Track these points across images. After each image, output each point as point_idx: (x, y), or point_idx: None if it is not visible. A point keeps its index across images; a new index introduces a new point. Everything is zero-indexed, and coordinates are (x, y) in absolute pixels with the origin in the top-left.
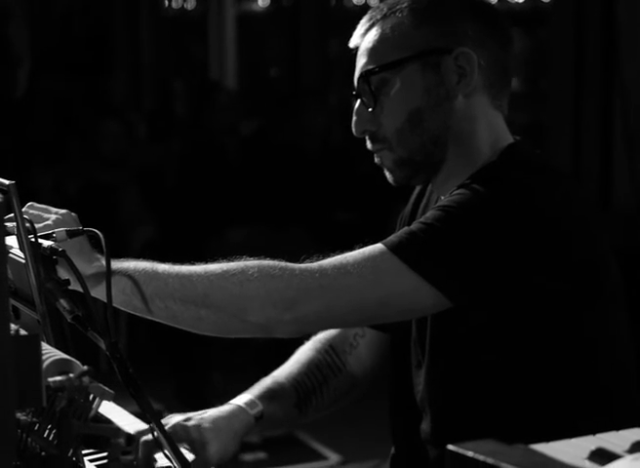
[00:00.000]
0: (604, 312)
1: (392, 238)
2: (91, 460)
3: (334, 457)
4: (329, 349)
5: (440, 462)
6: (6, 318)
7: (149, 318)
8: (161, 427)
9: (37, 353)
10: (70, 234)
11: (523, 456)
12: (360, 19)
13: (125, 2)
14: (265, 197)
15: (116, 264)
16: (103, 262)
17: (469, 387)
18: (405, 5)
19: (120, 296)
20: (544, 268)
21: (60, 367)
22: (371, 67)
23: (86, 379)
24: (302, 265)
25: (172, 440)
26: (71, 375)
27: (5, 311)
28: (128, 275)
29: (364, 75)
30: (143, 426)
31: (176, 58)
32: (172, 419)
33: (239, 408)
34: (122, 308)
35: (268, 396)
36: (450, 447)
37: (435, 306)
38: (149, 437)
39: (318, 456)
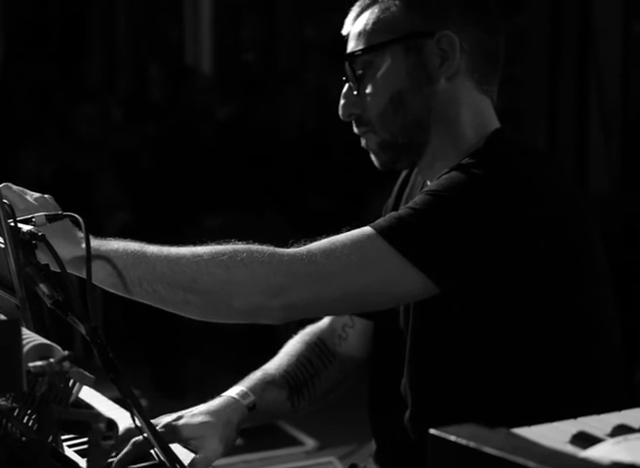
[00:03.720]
0: (591, 295)
1: (381, 222)
2: (70, 446)
3: (310, 443)
4: (318, 342)
5: (422, 448)
6: None
7: (137, 300)
8: (141, 412)
9: (17, 338)
10: (50, 218)
11: (505, 440)
12: (336, 3)
13: None
14: (241, 182)
15: (104, 246)
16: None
17: (452, 373)
18: None
19: (109, 279)
20: (534, 253)
21: (40, 351)
22: (356, 50)
23: (66, 364)
24: (291, 251)
25: (154, 427)
26: (52, 360)
27: None
28: (116, 258)
29: (349, 58)
30: (123, 412)
31: (151, 41)
32: (162, 420)
33: (231, 398)
34: (110, 290)
35: (260, 387)
36: (432, 431)
37: (423, 292)
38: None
39: (295, 442)
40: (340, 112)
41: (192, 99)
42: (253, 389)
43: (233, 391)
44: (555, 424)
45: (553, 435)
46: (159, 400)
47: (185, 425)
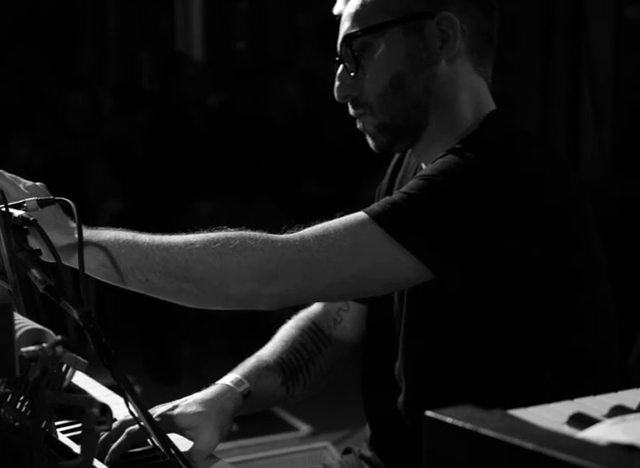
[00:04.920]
0: (590, 281)
1: (374, 207)
2: (63, 432)
3: (304, 428)
4: (312, 326)
5: (416, 433)
6: None
7: (130, 289)
8: (134, 397)
9: (10, 323)
10: (41, 203)
11: (501, 422)
12: None
13: None
14: (233, 168)
15: (95, 236)
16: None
17: (446, 358)
18: None
19: (100, 269)
20: (529, 239)
21: (33, 336)
22: (353, 31)
23: (59, 349)
24: (284, 237)
25: (147, 412)
26: (44, 345)
27: None
28: (107, 247)
29: (346, 39)
30: (116, 398)
31: (141, 29)
32: (157, 410)
33: (226, 386)
34: (103, 280)
35: (254, 374)
36: (428, 413)
37: (417, 278)
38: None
39: (289, 427)
40: (336, 94)
41: (184, 87)
42: (247, 376)
43: (227, 379)
44: (551, 405)
45: (550, 416)
46: (153, 386)
47: (180, 414)
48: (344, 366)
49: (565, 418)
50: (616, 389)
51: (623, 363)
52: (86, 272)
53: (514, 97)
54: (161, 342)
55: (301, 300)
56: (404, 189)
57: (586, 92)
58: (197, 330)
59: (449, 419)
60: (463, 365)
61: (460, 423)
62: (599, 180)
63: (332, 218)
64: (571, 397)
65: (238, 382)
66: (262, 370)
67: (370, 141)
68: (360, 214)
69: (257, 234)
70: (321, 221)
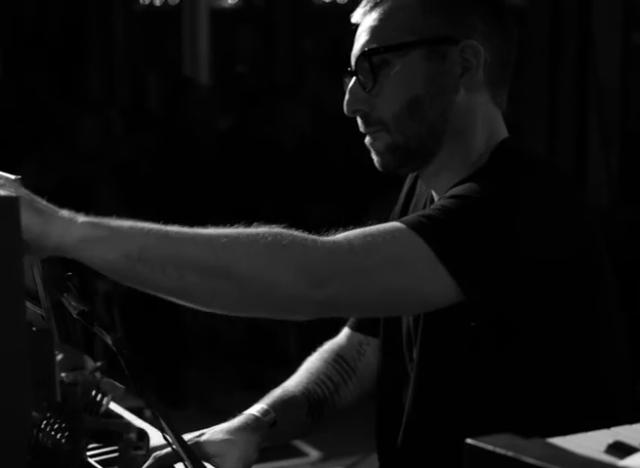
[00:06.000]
0: (605, 309)
1: (409, 219)
2: (92, 455)
3: (314, 454)
4: (337, 358)
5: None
6: (22, 314)
7: (150, 291)
8: (168, 423)
9: (51, 347)
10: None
11: (542, 449)
12: (343, 12)
13: None
14: (241, 192)
15: (111, 222)
16: (90, 222)
17: (463, 391)
18: None
19: (122, 262)
20: (557, 262)
21: (71, 361)
22: (374, 46)
23: (98, 374)
24: (330, 239)
25: (182, 438)
26: (85, 371)
27: (21, 307)
28: (134, 236)
29: (366, 53)
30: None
31: (149, 52)
32: (184, 437)
33: (252, 416)
34: (117, 277)
35: (280, 404)
36: (468, 440)
37: (448, 298)
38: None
39: (299, 453)
40: (345, 108)
41: (192, 110)
42: (273, 406)
43: (254, 409)
44: (588, 434)
45: (588, 444)
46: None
47: (207, 442)
48: (369, 397)
49: (603, 447)
50: (630, 415)
51: (634, 386)
52: (100, 266)
53: (521, 123)
54: (168, 367)
55: (344, 310)
56: (435, 206)
57: (593, 117)
58: (204, 353)
59: (490, 447)
60: (481, 399)
61: (501, 451)
62: (606, 206)
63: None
64: (587, 422)
65: (264, 412)
66: (288, 400)
67: (375, 159)
68: (397, 224)
69: (304, 234)
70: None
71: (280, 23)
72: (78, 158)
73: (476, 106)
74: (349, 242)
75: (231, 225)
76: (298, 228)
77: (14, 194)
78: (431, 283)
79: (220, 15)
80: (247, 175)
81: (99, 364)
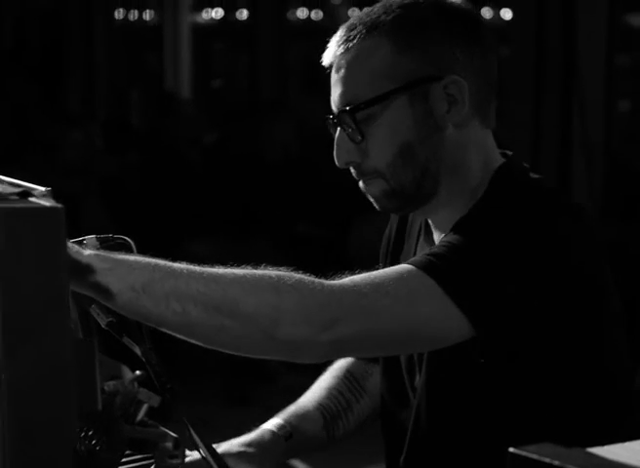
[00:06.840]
0: (610, 334)
1: (418, 259)
2: (124, 463)
3: None
4: (348, 375)
5: None
6: (67, 323)
7: (153, 325)
8: (199, 434)
9: (93, 357)
10: (101, 241)
11: (585, 459)
12: (316, 29)
13: (79, 12)
14: (228, 209)
15: (120, 256)
16: (97, 255)
17: (469, 427)
18: (385, 25)
19: (127, 293)
20: (565, 292)
21: (110, 370)
22: (355, 104)
23: (136, 384)
24: (336, 281)
25: (213, 449)
26: (124, 380)
27: (66, 316)
28: (140, 268)
29: (348, 112)
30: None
31: (130, 68)
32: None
33: (267, 430)
34: (121, 309)
35: (295, 419)
36: (511, 449)
37: (460, 336)
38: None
39: None
40: (337, 160)
41: (176, 125)
42: (288, 420)
43: (269, 423)
44: (627, 444)
45: (628, 454)
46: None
47: (225, 454)
48: (377, 416)
49: None
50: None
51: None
52: (103, 297)
53: (504, 142)
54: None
55: (352, 352)
56: (442, 243)
57: (577, 136)
58: (189, 371)
59: (535, 456)
60: (488, 434)
61: (546, 460)
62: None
63: (328, 259)
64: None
65: (280, 426)
66: (303, 414)
67: (373, 202)
68: (406, 266)
69: (310, 277)
70: (318, 262)
71: (262, 39)
72: (61, 173)
73: (467, 140)
74: (356, 284)
75: (233, 264)
76: (284, 244)
77: (58, 205)
78: (443, 322)
79: (201, 30)
80: (231, 190)
81: (138, 373)
